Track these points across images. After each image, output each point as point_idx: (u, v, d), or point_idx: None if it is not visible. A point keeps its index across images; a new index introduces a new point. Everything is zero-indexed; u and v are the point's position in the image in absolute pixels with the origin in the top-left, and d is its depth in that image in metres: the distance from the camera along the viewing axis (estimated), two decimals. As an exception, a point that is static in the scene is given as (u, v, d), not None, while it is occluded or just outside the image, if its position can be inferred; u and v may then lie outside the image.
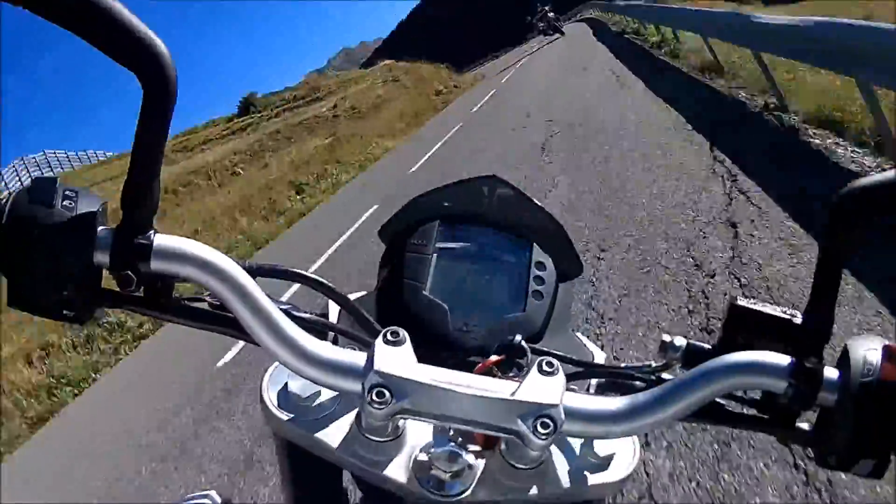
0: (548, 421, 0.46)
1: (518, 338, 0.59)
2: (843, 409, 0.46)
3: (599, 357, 0.69)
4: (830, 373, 0.47)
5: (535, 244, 0.70)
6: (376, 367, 0.46)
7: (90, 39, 0.42)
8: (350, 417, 0.53)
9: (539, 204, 0.70)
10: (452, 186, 0.68)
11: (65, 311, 0.47)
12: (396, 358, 0.47)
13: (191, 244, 0.48)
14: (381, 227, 0.71)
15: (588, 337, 0.79)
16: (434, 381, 0.47)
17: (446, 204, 0.70)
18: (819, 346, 0.48)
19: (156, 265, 0.47)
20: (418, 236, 0.69)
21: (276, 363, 0.57)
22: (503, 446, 0.51)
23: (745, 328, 0.52)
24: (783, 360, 0.48)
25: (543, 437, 0.46)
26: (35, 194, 0.45)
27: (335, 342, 0.58)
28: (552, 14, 27.14)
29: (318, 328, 0.58)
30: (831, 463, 0.47)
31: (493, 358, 0.57)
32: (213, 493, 0.71)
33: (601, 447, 0.56)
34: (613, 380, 0.62)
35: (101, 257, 0.46)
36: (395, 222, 0.70)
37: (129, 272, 0.47)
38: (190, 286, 0.51)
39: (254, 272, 0.53)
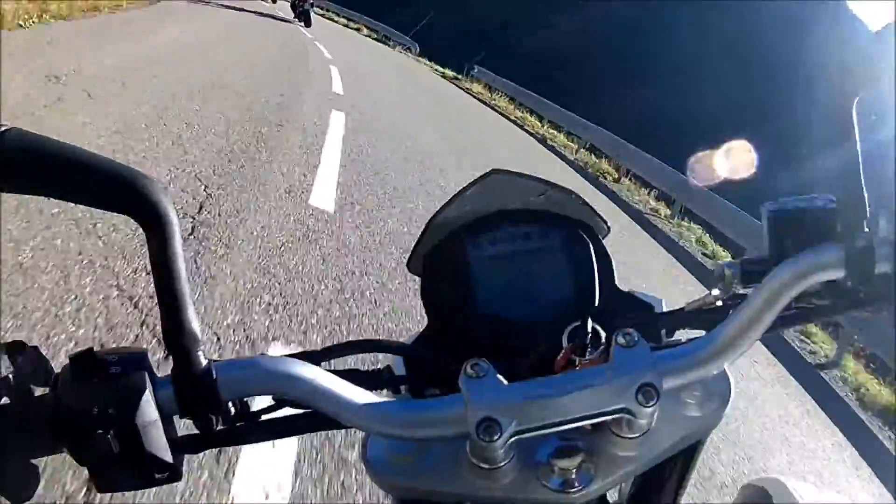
0: (649, 389, 0.47)
1: (582, 319, 0.59)
2: None
3: (660, 303, 0.69)
4: (881, 244, 0.49)
5: (559, 220, 0.70)
6: (474, 404, 0.47)
7: (81, 201, 0.41)
8: (458, 455, 0.53)
9: (546, 180, 0.69)
10: (461, 195, 0.67)
11: (157, 477, 0.45)
12: (486, 387, 0.48)
13: (253, 364, 0.47)
14: (407, 260, 0.70)
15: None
16: (532, 395, 0.48)
17: (463, 214, 0.68)
18: (860, 222, 0.49)
19: (225, 396, 0.46)
20: (449, 256, 0.68)
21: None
22: (611, 422, 0.51)
23: (789, 230, 0.54)
24: (835, 249, 0.50)
25: (650, 405, 0.47)
26: (78, 373, 0.43)
27: (413, 392, 0.59)
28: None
29: (396, 386, 0.59)
30: None
31: (568, 346, 0.57)
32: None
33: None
34: (687, 320, 0.63)
35: (167, 410, 0.45)
36: (420, 249, 0.69)
37: (204, 414, 0.46)
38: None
39: (317, 358, 0.53)
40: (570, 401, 0.48)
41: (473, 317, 0.65)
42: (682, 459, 0.66)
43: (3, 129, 0.39)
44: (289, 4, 20.07)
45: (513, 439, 0.48)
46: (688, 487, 0.68)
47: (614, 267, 0.70)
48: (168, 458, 0.45)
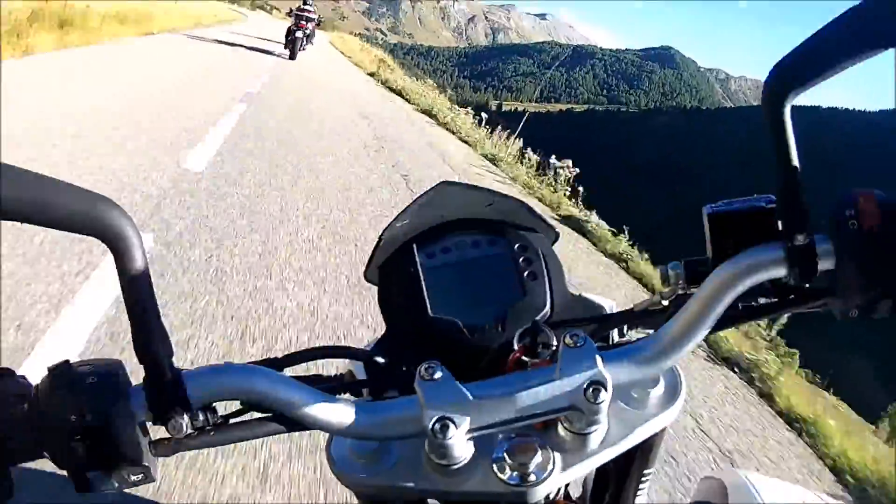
0: (597, 387, 0.49)
1: (533, 322, 0.61)
2: (843, 267, 0.50)
3: (610, 305, 0.71)
4: (820, 241, 0.50)
5: (508, 229, 0.72)
6: (428, 404, 0.49)
7: (48, 225, 0.43)
8: (418, 454, 0.55)
9: (494, 190, 0.72)
10: (412, 206, 0.69)
11: (132, 479, 0.47)
12: (440, 388, 0.50)
13: (220, 372, 0.49)
14: (364, 271, 0.72)
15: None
16: (483, 395, 0.50)
17: (414, 224, 0.71)
18: (802, 221, 0.50)
19: (195, 402, 0.48)
20: (402, 265, 0.70)
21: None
22: (563, 418, 0.54)
23: (729, 231, 0.55)
24: (775, 248, 0.51)
25: (599, 402, 0.49)
26: (56, 384, 0.45)
27: (373, 394, 0.61)
28: (314, 15, 17.07)
29: (357, 390, 0.61)
30: (853, 315, 0.50)
31: (519, 348, 0.59)
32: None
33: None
34: (634, 320, 0.66)
35: (140, 416, 0.47)
36: (375, 261, 0.72)
37: (174, 418, 0.47)
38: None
39: (281, 364, 0.55)
40: (521, 399, 0.50)
41: (427, 322, 0.67)
42: (641, 454, 0.69)
43: None
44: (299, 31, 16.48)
45: (467, 437, 0.50)
46: (648, 482, 0.71)
47: (565, 272, 0.72)
48: (143, 461, 0.47)
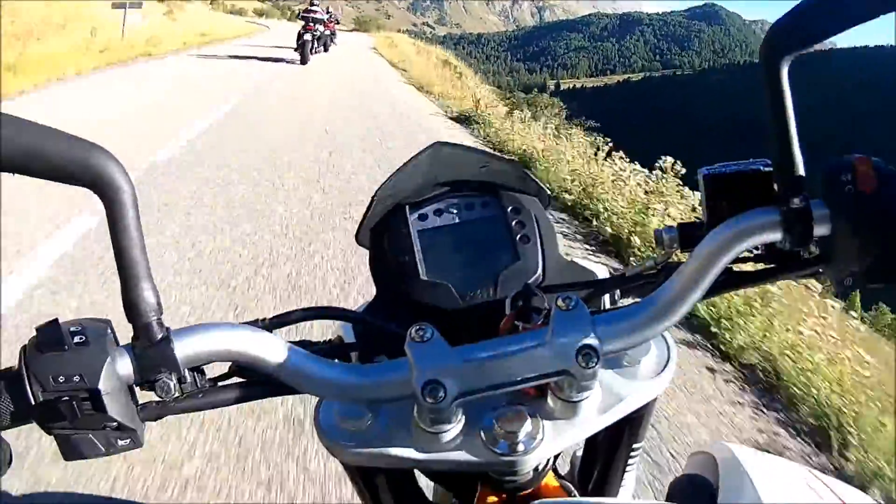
0: (589, 352, 0.49)
1: (525, 285, 0.60)
2: (839, 233, 0.49)
3: (602, 271, 0.70)
4: (816, 206, 0.49)
5: (501, 191, 0.71)
6: (418, 366, 0.49)
7: (41, 175, 0.42)
8: (407, 422, 0.55)
9: (488, 151, 0.71)
10: (405, 168, 0.68)
11: (120, 443, 0.47)
12: (431, 351, 0.50)
13: (209, 331, 0.49)
14: (355, 233, 0.71)
15: None
16: (474, 358, 0.50)
17: (407, 186, 0.70)
18: (797, 184, 0.49)
19: (183, 362, 0.48)
20: (394, 228, 0.69)
21: (322, 400, 0.59)
22: (554, 386, 0.53)
23: (725, 194, 0.54)
24: (771, 212, 0.50)
25: (590, 367, 0.49)
26: (44, 343, 0.44)
27: (362, 358, 0.61)
28: (323, 16, 16.39)
29: (346, 353, 0.61)
30: (848, 283, 0.50)
31: (511, 313, 0.59)
32: None
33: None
34: (627, 286, 0.65)
35: (128, 377, 0.47)
36: (367, 223, 0.70)
37: (162, 379, 0.47)
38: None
39: (271, 327, 0.55)
40: (512, 363, 0.50)
41: (419, 285, 0.66)
42: (630, 427, 0.68)
43: None
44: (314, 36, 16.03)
45: (457, 401, 0.50)
46: (637, 458, 0.70)
47: (557, 237, 0.71)
48: (132, 424, 0.46)
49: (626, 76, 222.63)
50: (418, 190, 0.70)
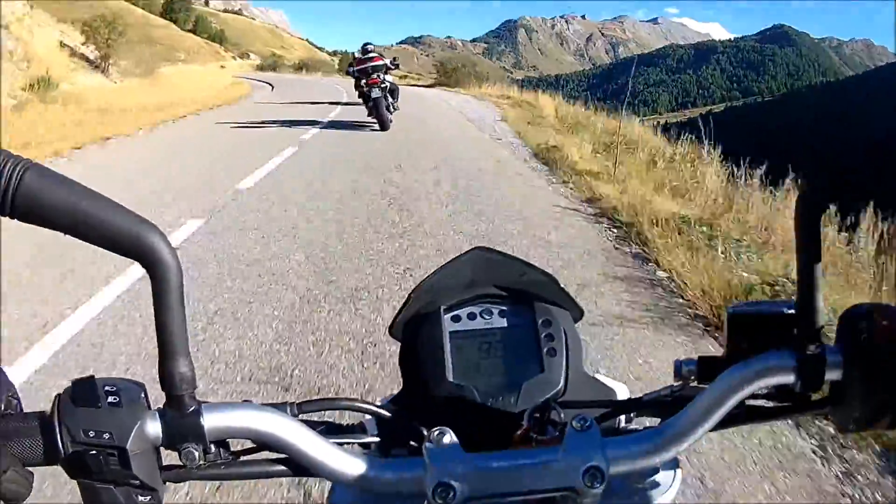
0: (595, 472, 0.51)
1: (544, 399, 0.64)
2: (850, 380, 0.52)
3: (622, 391, 0.73)
4: (831, 353, 0.52)
5: (535, 302, 0.72)
6: (433, 469, 0.51)
7: (89, 240, 0.44)
8: None
9: (527, 261, 0.72)
10: (445, 269, 0.71)
11: (140, 500, 0.48)
12: (446, 455, 0.52)
13: (237, 410, 0.51)
14: (389, 325, 0.73)
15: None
16: (486, 467, 0.52)
17: (444, 287, 0.72)
18: (815, 332, 0.52)
19: (209, 436, 0.50)
20: (427, 326, 0.70)
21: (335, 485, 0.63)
22: (559, 499, 0.54)
23: (746, 332, 0.57)
24: (787, 355, 0.52)
25: (596, 487, 0.51)
26: (79, 398, 0.47)
27: (382, 448, 0.65)
28: (381, 77, 10.72)
29: (367, 445, 0.64)
30: (851, 427, 0.53)
31: (527, 426, 0.61)
32: None
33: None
34: (641, 410, 0.67)
35: (156, 440, 0.48)
36: (401, 317, 0.72)
37: (189, 448, 0.49)
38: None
39: (297, 411, 0.58)
40: (522, 475, 0.52)
41: (444, 386, 0.67)
42: None
43: (25, 165, 0.42)
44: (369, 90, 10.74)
45: None
46: None
47: (584, 351, 0.73)
48: (154, 484, 0.49)
49: (707, 108, 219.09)
50: (455, 292, 0.72)
